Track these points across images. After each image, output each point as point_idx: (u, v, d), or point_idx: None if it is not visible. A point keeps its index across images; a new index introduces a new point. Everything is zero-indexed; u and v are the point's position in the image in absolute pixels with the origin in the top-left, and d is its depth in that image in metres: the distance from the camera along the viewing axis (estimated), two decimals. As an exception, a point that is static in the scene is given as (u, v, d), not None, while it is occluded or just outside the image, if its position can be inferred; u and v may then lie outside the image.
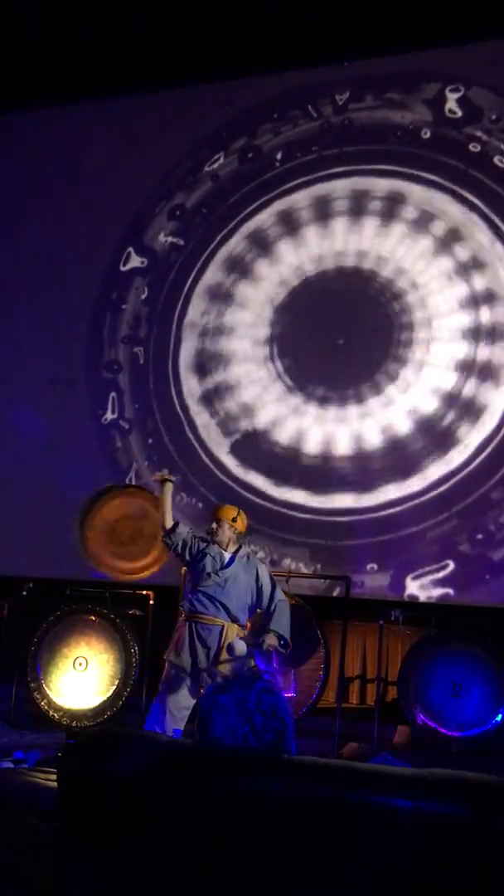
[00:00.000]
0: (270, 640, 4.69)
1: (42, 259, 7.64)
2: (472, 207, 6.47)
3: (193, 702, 4.69)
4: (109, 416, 7.26)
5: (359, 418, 6.57)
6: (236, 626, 4.74)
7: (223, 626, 4.68)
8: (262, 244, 7.01)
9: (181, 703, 4.67)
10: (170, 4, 6.73)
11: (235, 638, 4.67)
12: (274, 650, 4.77)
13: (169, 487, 4.98)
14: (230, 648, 4.61)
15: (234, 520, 4.87)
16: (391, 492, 6.39)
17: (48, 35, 7.03)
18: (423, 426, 6.41)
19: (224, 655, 4.62)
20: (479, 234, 6.44)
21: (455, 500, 6.24)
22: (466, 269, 6.45)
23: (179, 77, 7.21)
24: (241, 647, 4.62)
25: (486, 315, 6.36)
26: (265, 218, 7.02)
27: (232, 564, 4.79)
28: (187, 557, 4.84)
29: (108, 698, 6.22)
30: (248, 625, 4.88)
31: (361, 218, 6.75)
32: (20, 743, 5.73)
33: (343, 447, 6.57)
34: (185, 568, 5.09)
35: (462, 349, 6.38)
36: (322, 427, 6.65)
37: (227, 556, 4.80)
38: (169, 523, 4.87)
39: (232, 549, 4.84)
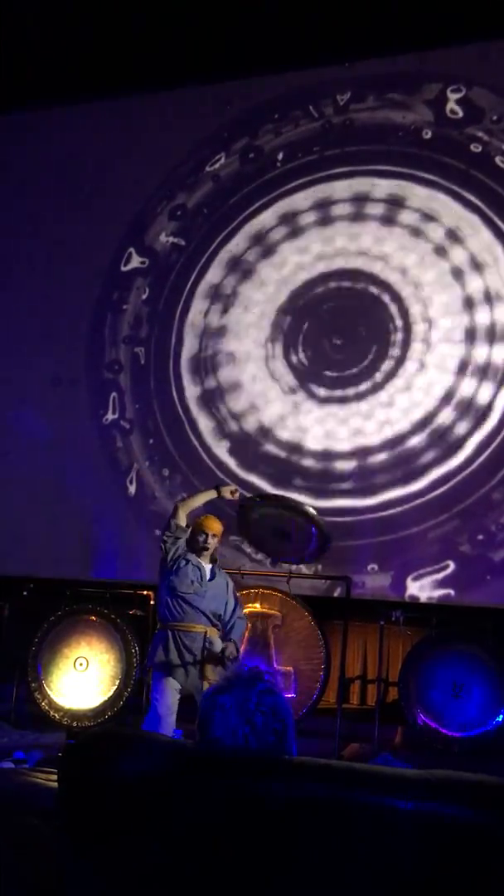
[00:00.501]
0: (232, 649, 4.73)
1: (43, 259, 7.64)
2: (473, 208, 6.48)
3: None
4: (110, 416, 7.26)
5: (360, 419, 6.57)
6: (216, 629, 4.81)
7: (205, 632, 4.74)
8: (263, 244, 7.01)
9: (174, 709, 4.69)
10: (171, 4, 6.72)
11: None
12: (233, 658, 4.79)
13: (212, 495, 5.05)
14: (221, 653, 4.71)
15: (221, 534, 4.96)
16: (392, 492, 6.39)
17: (48, 35, 7.03)
18: (424, 427, 6.40)
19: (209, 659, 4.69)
20: (480, 235, 6.44)
21: (456, 501, 6.24)
22: (467, 269, 6.45)
23: (180, 77, 7.21)
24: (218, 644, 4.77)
25: (486, 315, 6.36)
26: (266, 218, 7.02)
27: (215, 577, 4.89)
28: (169, 556, 4.85)
29: (109, 698, 6.23)
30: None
31: (363, 218, 6.75)
32: (21, 743, 5.74)
33: (344, 448, 6.57)
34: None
35: (463, 350, 6.38)
36: (323, 427, 6.66)
37: (206, 566, 4.86)
38: (183, 520, 4.91)
39: (210, 560, 4.90)
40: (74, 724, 6.14)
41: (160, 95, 7.48)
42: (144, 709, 5.82)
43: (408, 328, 6.55)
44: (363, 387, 6.60)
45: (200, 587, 4.78)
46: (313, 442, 6.66)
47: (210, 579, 4.85)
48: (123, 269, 7.40)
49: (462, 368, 6.37)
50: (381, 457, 6.48)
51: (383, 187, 6.71)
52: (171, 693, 4.67)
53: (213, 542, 4.87)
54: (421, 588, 6.24)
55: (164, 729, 4.60)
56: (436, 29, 6.43)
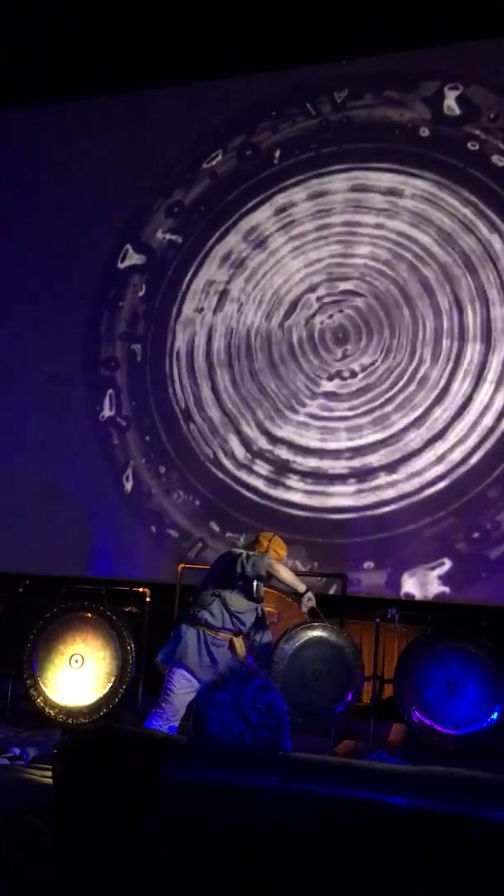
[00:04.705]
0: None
1: (40, 256, 7.63)
2: (470, 206, 6.48)
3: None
4: (107, 412, 7.26)
5: (356, 417, 6.57)
6: (240, 637, 4.85)
7: (230, 639, 4.78)
8: (260, 242, 7.01)
9: (182, 711, 4.68)
10: (169, 2, 6.71)
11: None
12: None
13: (297, 589, 4.93)
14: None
15: None
16: (388, 490, 6.40)
17: (48, 31, 7.01)
18: (420, 424, 6.41)
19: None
20: (478, 233, 6.45)
21: (452, 499, 6.25)
22: (464, 267, 6.45)
23: (178, 74, 7.20)
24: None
25: (482, 314, 6.37)
26: (263, 215, 7.02)
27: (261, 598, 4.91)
28: (238, 576, 4.78)
29: (105, 695, 6.22)
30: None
31: (359, 216, 6.75)
32: (16, 740, 5.73)
33: (340, 445, 6.58)
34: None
35: (459, 348, 6.39)
36: (319, 425, 6.66)
37: (255, 588, 4.83)
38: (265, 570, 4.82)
39: None
40: (70, 721, 6.13)
41: (157, 92, 7.47)
42: (141, 706, 5.83)
43: (404, 325, 6.55)
44: (360, 384, 6.60)
45: (252, 605, 4.82)
46: (310, 439, 6.66)
47: (258, 600, 4.88)
48: (120, 265, 7.40)
49: (458, 367, 6.38)
50: (377, 454, 6.48)
51: (380, 185, 6.71)
52: (187, 693, 4.62)
53: None
54: (417, 585, 6.25)
55: (171, 725, 4.58)
56: (433, 27, 6.43)
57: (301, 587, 4.90)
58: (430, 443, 6.37)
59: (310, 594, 4.91)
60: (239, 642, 4.83)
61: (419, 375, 6.48)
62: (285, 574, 4.81)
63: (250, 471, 6.78)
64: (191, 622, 4.74)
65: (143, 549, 6.96)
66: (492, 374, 6.29)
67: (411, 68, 6.74)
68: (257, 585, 4.77)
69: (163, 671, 4.84)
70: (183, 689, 4.63)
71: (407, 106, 6.71)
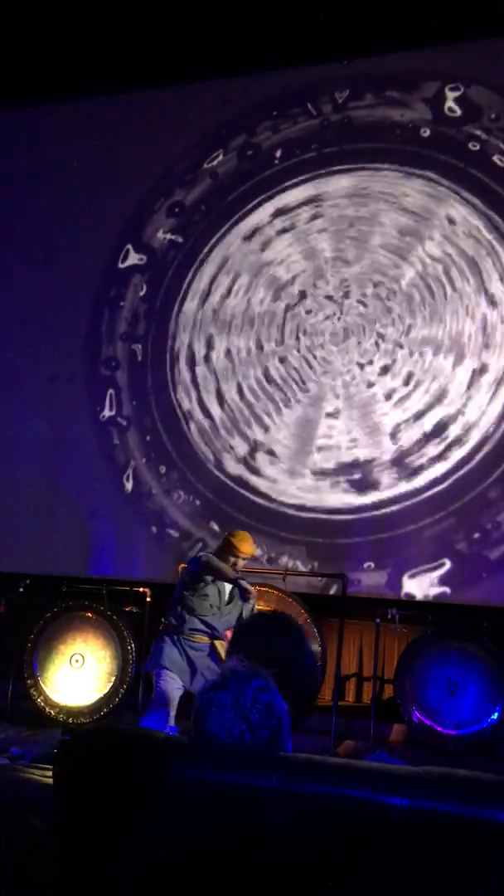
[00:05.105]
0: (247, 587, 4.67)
1: (41, 256, 7.63)
2: (471, 206, 6.48)
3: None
4: (107, 412, 7.26)
5: (357, 416, 6.57)
6: (222, 641, 4.87)
7: (211, 643, 4.83)
8: (261, 242, 7.01)
9: (175, 706, 4.72)
10: (169, 2, 6.71)
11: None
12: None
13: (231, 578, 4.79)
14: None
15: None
16: (388, 490, 6.40)
17: (48, 30, 7.00)
18: (420, 424, 6.41)
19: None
20: (478, 233, 6.44)
21: (452, 499, 6.24)
22: (466, 268, 6.45)
23: (179, 74, 7.20)
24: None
25: (483, 315, 6.36)
26: (264, 215, 7.02)
27: (233, 600, 4.90)
28: (192, 581, 4.85)
29: (105, 695, 6.23)
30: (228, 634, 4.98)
31: (360, 216, 6.75)
32: (16, 739, 5.73)
33: (340, 445, 6.58)
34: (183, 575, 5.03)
35: (459, 348, 6.39)
36: (320, 424, 6.66)
37: (227, 588, 4.84)
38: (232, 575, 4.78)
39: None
40: (70, 720, 6.14)
41: (158, 92, 7.47)
42: (142, 706, 5.83)
43: (405, 326, 6.55)
44: (361, 384, 6.60)
45: (219, 610, 4.81)
46: (310, 439, 6.66)
47: (228, 602, 4.88)
48: (121, 265, 7.40)
49: (458, 367, 6.37)
50: (378, 454, 6.48)
51: (381, 185, 6.71)
52: (175, 690, 4.70)
53: (242, 564, 4.91)
54: (417, 586, 6.25)
55: (166, 725, 4.62)
56: (435, 27, 6.42)
57: (230, 575, 4.72)
58: (430, 443, 6.37)
59: (242, 583, 4.66)
60: (221, 645, 4.85)
61: (419, 376, 6.47)
62: (217, 569, 4.70)
63: (251, 470, 6.78)
64: (164, 627, 4.89)
65: (143, 548, 6.97)
66: (492, 375, 6.29)
67: (412, 68, 6.74)
68: (206, 588, 4.77)
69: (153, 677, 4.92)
70: (168, 688, 4.68)
71: (408, 106, 6.71)
